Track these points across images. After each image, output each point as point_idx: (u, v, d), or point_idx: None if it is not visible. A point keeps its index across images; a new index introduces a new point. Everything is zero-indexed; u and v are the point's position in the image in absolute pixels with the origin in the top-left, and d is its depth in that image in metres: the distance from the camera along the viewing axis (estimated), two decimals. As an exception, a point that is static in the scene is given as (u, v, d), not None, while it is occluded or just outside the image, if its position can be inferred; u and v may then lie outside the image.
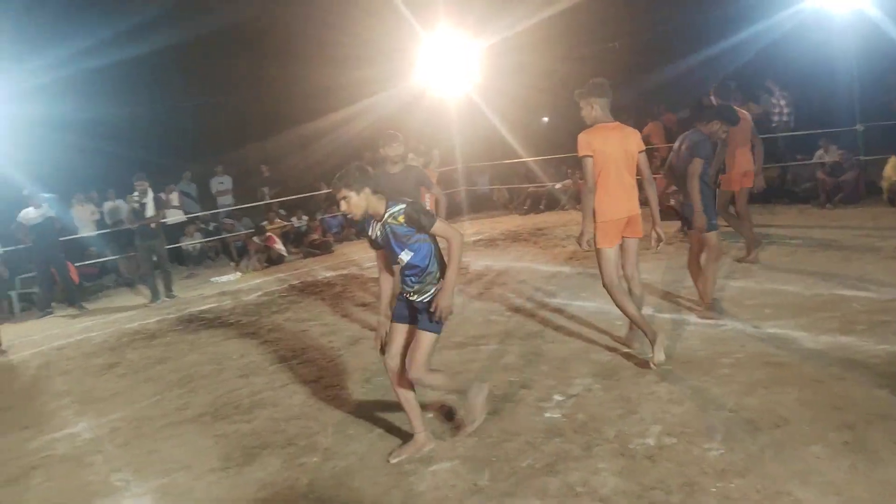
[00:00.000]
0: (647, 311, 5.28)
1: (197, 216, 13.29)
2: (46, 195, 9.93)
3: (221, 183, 13.95)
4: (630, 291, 4.47)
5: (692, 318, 5.17)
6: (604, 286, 4.39)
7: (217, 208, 13.75)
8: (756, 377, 3.92)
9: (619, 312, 4.56)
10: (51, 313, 9.58)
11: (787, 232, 7.81)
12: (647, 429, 3.47)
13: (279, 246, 11.64)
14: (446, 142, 13.75)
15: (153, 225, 9.01)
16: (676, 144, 5.22)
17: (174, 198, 11.77)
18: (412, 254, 3.37)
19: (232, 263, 12.13)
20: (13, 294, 10.30)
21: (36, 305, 10.01)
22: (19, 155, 11.44)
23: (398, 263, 3.44)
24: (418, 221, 3.30)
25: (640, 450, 3.26)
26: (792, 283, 5.71)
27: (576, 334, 5.16)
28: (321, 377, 5.09)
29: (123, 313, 8.87)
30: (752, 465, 2.99)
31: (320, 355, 5.63)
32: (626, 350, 4.66)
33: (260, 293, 8.82)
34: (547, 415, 3.81)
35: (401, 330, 3.56)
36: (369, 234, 3.51)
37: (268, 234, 11.60)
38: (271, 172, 14.60)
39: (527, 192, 13.12)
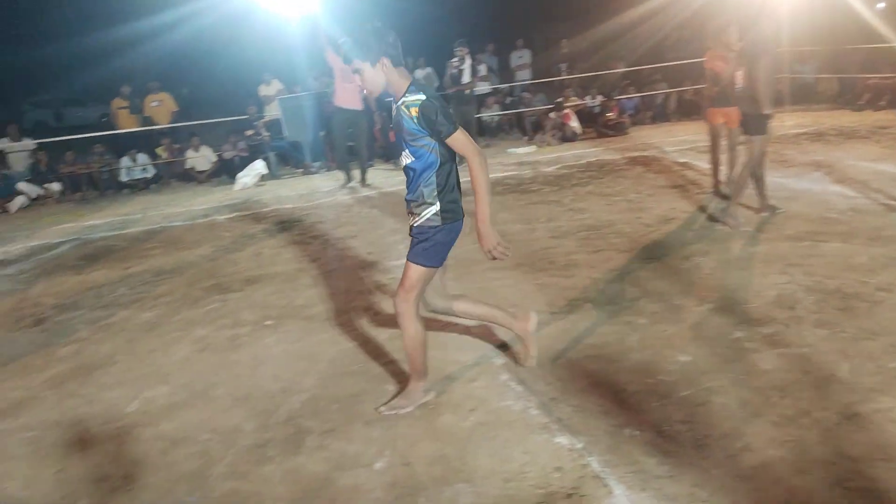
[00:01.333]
0: None
1: (496, 88, 13.67)
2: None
3: (521, 57, 14.07)
4: None
5: None
6: None
7: (513, 82, 13.98)
8: None
9: None
10: (371, 165, 10.77)
11: None
12: None
13: (574, 123, 11.56)
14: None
15: (467, 91, 9.47)
16: None
17: (483, 69, 12.16)
18: (412, 159, 2.74)
19: (524, 137, 12.40)
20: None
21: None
22: (350, 17, 12.60)
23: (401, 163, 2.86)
24: (434, 124, 2.60)
25: None
26: None
27: (947, 244, 4.39)
28: (633, 248, 5.04)
29: (433, 171, 9.63)
30: None
31: (630, 229, 5.55)
32: None
33: (558, 166, 8.92)
34: (918, 321, 3.34)
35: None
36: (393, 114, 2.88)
37: (565, 110, 11.55)
38: (571, 49, 14.32)
39: (865, 83, 11.19)
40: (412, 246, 2.84)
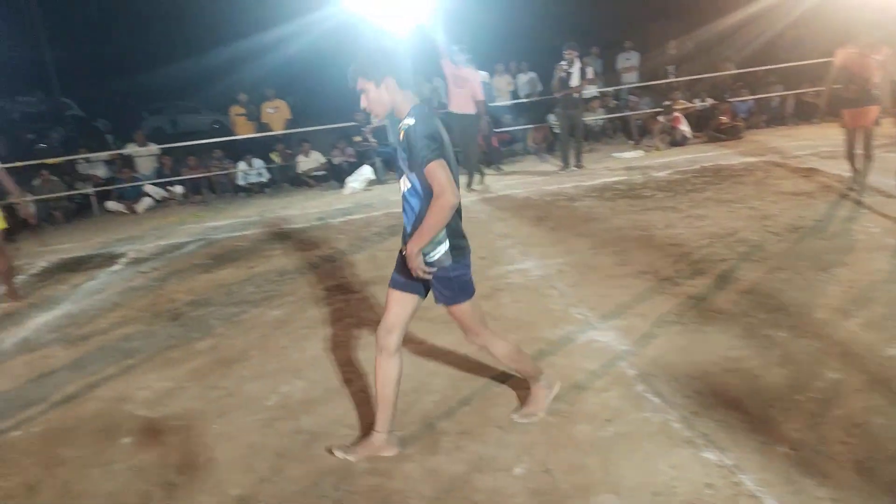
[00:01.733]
0: None
1: (601, 91, 13.43)
2: (482, 72, 10.96)
3: (628, 59, 13.78)
4: None
5: None
6: None
7: (620, 85, 13.70)
8: None
9: None
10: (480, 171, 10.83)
11: None
12: None
13: (684, 127, 11.20)
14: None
15: (575, 95, 9.36)
16: None
17: (590, 72, 11.99)
18: (409, 186, 2.59)
19: (630, 142, 12.12)
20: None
21: (461, 162, 11.47)
22: (455, 23, 12.73)
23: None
24: (412, 149, 2.44)
25: None
26: None
27: None
28: (762, 258, 4.82)
29: (538, 177, 9.59)
30: None
31: (757, 238, 5.31)
32: None
33: (671, 171, 8.66)
34: None
35: (397, 300, 2.77)
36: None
37: (675, 114, 11.21)
38: (678, 50, 13.87)
39: None
40: (438, 292, 2.68)
